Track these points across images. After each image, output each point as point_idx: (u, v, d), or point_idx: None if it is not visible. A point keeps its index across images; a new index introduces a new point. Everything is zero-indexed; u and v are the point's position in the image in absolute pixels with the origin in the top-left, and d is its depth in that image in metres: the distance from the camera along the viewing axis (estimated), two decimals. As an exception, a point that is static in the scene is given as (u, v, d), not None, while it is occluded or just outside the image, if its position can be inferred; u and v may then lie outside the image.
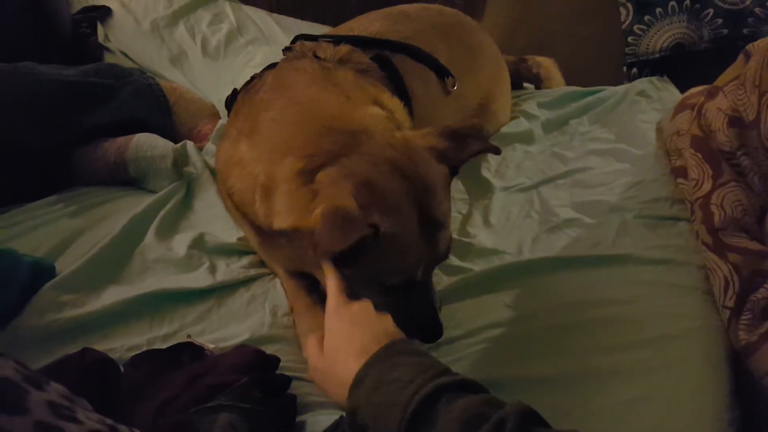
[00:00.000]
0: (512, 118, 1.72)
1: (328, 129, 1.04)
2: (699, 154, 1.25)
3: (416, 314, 1.00)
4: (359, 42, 1.36)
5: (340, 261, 0.94)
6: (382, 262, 0.95)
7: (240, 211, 1.18)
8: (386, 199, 0.94)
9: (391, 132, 1.06)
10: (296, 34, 1.54)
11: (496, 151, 1.12)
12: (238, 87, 1.42)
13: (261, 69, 1.41)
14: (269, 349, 1.01)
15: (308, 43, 1.38)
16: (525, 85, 1.94)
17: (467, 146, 1.04)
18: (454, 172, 1.06)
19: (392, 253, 0.95)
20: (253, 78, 1.35)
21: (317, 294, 1.11)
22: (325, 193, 0.94)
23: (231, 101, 1.39)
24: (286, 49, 1.41)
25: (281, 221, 1.02)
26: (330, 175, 0.96)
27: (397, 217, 0.94)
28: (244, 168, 1.11)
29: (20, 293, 1.08)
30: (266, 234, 1.11)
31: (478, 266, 1.22)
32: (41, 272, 1.14)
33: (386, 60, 1.34)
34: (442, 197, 1.01)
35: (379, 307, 0.93)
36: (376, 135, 1.03)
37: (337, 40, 1.36)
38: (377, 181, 0.95)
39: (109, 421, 0.52)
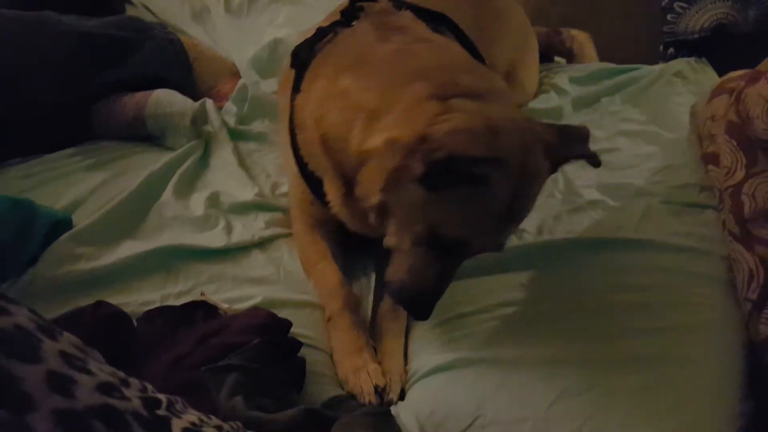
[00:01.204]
0: (543, 92, 1.68)
1: (468, 69, 1.05)
2: (734, 141, 1.21)
3: (424, 284, 0.98)
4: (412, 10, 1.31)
5: (433, 179, 0.91)
6: (460, 206, 0.94)
7: (328, 155, 1.10)
8: (506, 159, 0.92)
9: (518, 108, 1.04)
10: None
11: (596, 163, 1.05)
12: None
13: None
14: (281, 313, 1.01)
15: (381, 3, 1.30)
16: (556, 58, 1.89)
17: (572, 147, 1.02)
18: (552, 170, 1.03)
19: (477, 206, 0.94)
20: (322, 31, 1.23)
21: (354, 303, 1.10)
22: (459, 113, 0.93)
23: (300, 53, 1.25)
24: (348, 12, 1.28)
25: (395, 131, 0.96)
26: (466, 105, 0.95)
27: (505, 180, 0.92)
28: (346, 99, 1.05)
29: (37, 244, 1.08)
30: (349, 183, 1.07)
31: (496, 243, 1.20)
32: (58, 224, 1.14)
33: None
34: (535, 192, 1.00)
35: (403, 257, 0.96)
36: (511, 102, 1.03)
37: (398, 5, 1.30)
38: (505, 139, 0.93)
39: (121, 374, 0.52)
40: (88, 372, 0.46)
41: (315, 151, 1.11)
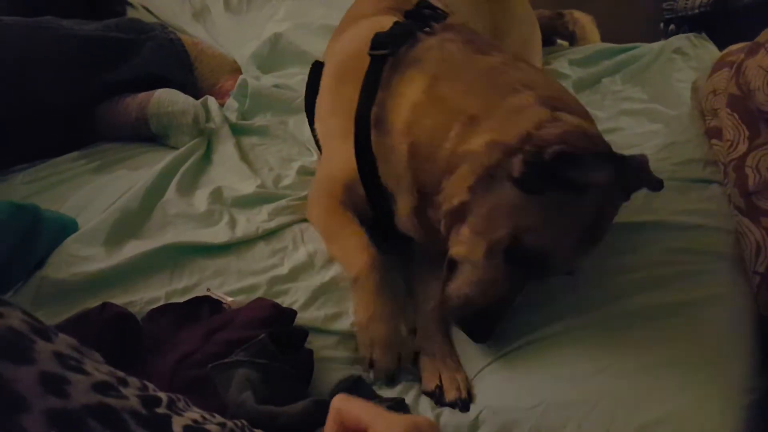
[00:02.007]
0: (543, 78, 1.67)
1: (565, 92, 1.07)
2: (735, 114, 1.20)
3: (491, 301, 0.95)
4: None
5: (531, 180, 0.89)
6: (552, 215, 0.90)
7: (411, 162, 1.05)
8: (610, 166, 0.90)
9: None
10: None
11: (656, 187, 1.01)
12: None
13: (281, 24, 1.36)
14: (286, 293, 1.03)
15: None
16: (559, 41, 1.87)
17: (640, 176, 0.99)
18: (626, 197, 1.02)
19: (568, 217, 0.91)
20: (400, 31, 1.17)
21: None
22: (566, 122, 0.93)
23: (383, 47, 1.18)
24: (414, 13, 1.25)
25: (497, 133, 0.94)
26: (572, 119, 0.95)
27: (597, 195, 0.91)
28: (444, 104, 1.03)
29: (43, 248, 1.09)
30: (422, 194, 1.04)
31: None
32: (63, 227, 1.15)
33: None
34: (613, 216, 0.99)
35: (471, 269, 0.93)
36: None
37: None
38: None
39: (120, 373, 0.52)
40: (84, 372, 0.47)
41: (395, 157, 1.06)
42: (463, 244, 0.95)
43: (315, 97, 1.30)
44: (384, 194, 1.10)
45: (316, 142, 1.33)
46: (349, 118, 1.11)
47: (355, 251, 1.07)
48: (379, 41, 1.13)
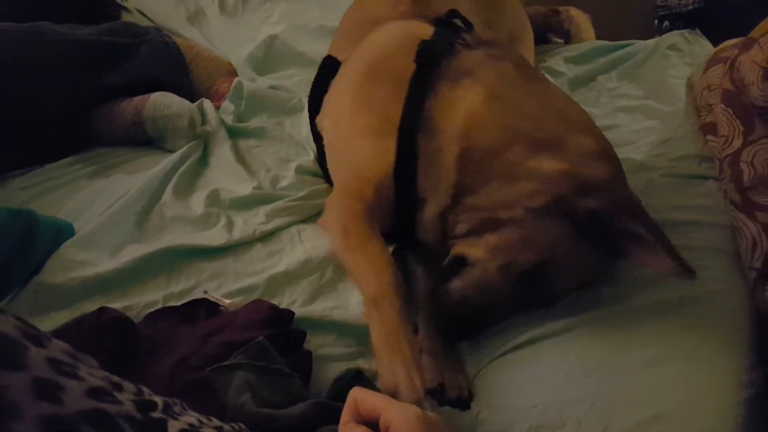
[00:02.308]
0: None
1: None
2: (730, 110, 1.20)
3: (489, 305, 0.97)
4: None
5: (593, 226, 0.93)
6: (589, 263, 0.96)
7: (459, 165, 1.05)
8: None
9: None
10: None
11: (689, 276, 0.95)
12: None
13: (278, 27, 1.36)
14: (284, 289, 1.04)
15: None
16: (554, 39, 1.87)
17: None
18: None
19: (597, 271, 0.96)
20: (431, 48, 1.17)
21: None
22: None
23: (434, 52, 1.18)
24: (444, 22, 1.27)
25: (572, 167, 0.96)
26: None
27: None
28: (509, 120, 1.04)
29: (40, 253, 1.09)
30: (458, 196, 1.04)
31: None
32: (60, 232, 1.15)
33: None
34: None
35: (480, 273, 0.95)
36: None
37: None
38: None
39: (115, 378, 0.52)
40: (78, 377, 0.47)
41: (441, 159, 1.06)
42: (483, 248, 0.97)
43: (322, 93, 1.30)
44: (414, 196, 1.10)
45: (315, 137, 1.32)
46: (384, 119, 1.11)
47: (377, 269, 1.01)
48: (426, 49, 1.14)
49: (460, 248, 1.01)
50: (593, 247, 0.94)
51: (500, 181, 0.99)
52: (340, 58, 1.33)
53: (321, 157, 1.33)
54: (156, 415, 0.51)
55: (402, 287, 1.00)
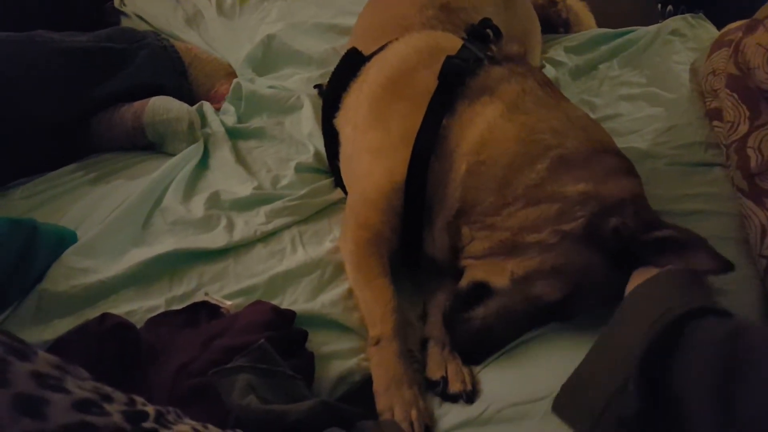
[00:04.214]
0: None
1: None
2: (735, 95, 1.17)
3: (507, 333, 0.98)
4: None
5: (624, 257, 0.91)
6: (608, 294, 0.92)
7: (468, 182, 1.04)
8: None
9: None
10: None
11: (726, 268, 0.89)
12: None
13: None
14: (285, 288, 1.04)
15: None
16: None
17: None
18: None
19: (612, 296, 0.92)
20: (456, 66, 1.15)
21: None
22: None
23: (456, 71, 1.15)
24: (477, 32, 1.25)
25: (593, 187, 0.95)
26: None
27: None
28: (531, 134, 1.03)
29: (42, 262, 1.09)
30: (465, 211, 1.04)
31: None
32: (62, 240, 1.15)
33: None
34: None
35: (506, 302, 0.96)
36: None
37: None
38: None
39: (106, 389, 0.52)
40: (65, 390, 0.46)
41: (451, 176, 1.05)
42: (508, 278, 0.96)
43: (339, 90, 1.29)
44: (423, 212, 1.09)
45: (326, 132, 1.32)
46: (397, 134, 1.11)
47: (381, 312, 1.03)
48: (451, 66, 1.11)
49: (478, 272, 1.00)
50: (617, 267, 0.91)
51: (522, 201, 0.97)
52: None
53: (329, 152, 1.33)
54: (147, 425, 0.51)
55: (403, 329, 1.03)
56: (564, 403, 0.78)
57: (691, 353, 0.66)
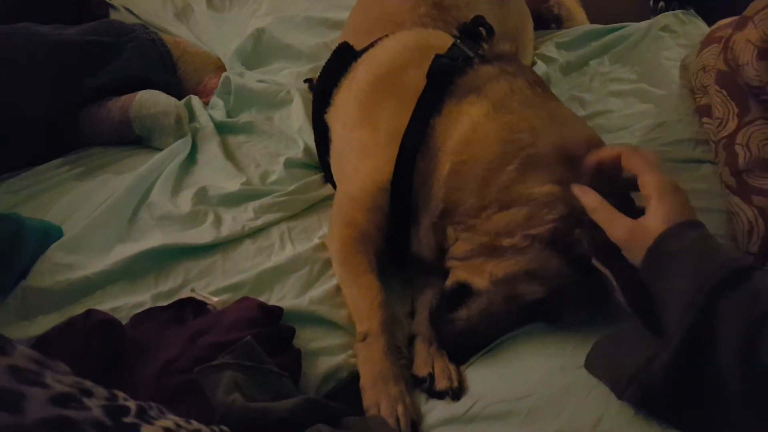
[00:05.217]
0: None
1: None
2: (724, 91, 1.18)
3: (491, 334, 0.98)
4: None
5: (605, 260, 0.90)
6: (587, 297, 0.94)
7: (450, 183, 1.04)
8: None
9: None
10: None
11: None
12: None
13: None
14: (273, 285, 1.04)
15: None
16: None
17: None
18: None
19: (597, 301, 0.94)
20: (445, 65, 1.13)
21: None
22: None
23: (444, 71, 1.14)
24: (469, 30, 1.23)
25: (558, 188, 0.94)
26: None
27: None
28: (511, 132, 1.01)
29: (26, 258, 1.08)
30: (449, 212, 1.04)
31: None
32: (47, 235, 1.14)
33: None
34: None
35: (486, 303, 0.97)
36: None
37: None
38: None
39: (86, 384, 0.51)
40: (42, 385, 0.46)
41: (436, 175, 1.05)
42: (487, 279, 0.97)
43: (331, 85, 1.28)
44: (409, 210, 1.09)
45: (315, 127, 1.31)
46: (384, 133, 1.10)
47: (368, 307, 1.03)
48: (440, 66, 1.10)
49: (461, 273, 1.01)
50: (588, 272, 0.91)
51: (497, 204, 0.98)
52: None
53: (320, 148, 1.32)
54: (128, 420, 0.50)
55: (390, 324, 1.03)
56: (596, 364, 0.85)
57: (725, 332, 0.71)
